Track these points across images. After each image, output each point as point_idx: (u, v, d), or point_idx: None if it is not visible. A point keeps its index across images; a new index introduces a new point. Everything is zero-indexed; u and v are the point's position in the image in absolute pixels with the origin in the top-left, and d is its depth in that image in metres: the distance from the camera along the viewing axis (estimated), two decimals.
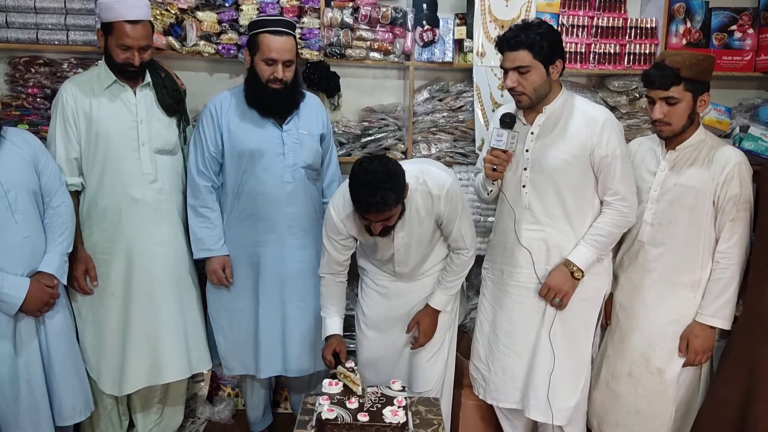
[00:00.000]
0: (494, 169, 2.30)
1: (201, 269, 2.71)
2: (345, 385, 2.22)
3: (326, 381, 2.24)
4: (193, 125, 2.96)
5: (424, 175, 2.30)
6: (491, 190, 2.45)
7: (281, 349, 2.63)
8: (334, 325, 2.45)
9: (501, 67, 2.35)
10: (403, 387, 2.27)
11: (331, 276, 2.46)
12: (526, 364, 2.44)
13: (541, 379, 2.39)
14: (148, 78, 2.53)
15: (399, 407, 2.09)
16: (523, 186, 2.37)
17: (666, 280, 2.34)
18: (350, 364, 2.30)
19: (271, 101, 2.51)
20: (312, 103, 2.70)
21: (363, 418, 2.03)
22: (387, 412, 2.06)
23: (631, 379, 2.39)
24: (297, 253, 2.61)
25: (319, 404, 2.11)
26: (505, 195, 2.44)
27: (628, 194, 2.32)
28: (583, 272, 2.31)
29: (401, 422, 2.03)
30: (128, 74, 2.46)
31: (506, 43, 2.27)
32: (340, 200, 2.33)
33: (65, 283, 2.36)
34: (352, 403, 2.11)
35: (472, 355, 2.61)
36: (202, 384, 3.12)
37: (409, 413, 2.13)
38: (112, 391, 2.55)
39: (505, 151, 2.28)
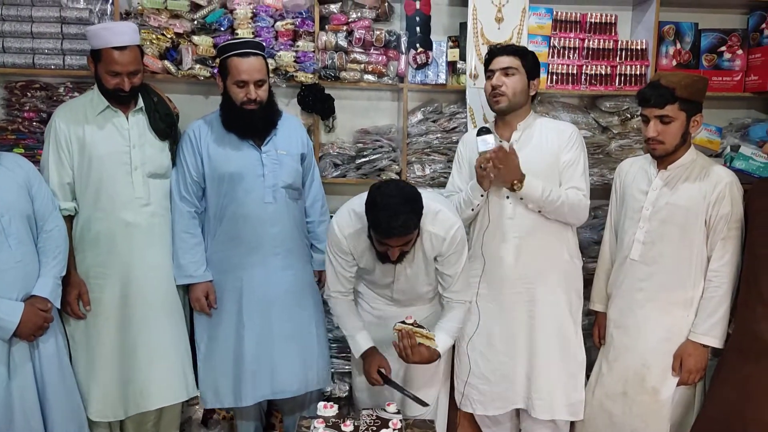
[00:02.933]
0: (484, 169, 2.37)
1: None
2: (339, 408, 2.22)
3: (321, 404, 2.23)
4: None
5: (434, 213, 2.28)
6: (477, 204, 2.50)
7: (269, 372, 2.59)
8: (364, 340, 2.41)
9: (488, 70, 2.52)
10: (399, 410, 2.27)
11: (340, 295, 2.44)
12: (526, 367, 2.52)
13: (544, 378, 2.50)
14: (140, 103, 2.54)
15: (394, 430, 2.09)
16: (507, 197, 2.48)
17: (659, 299, 2.35)
18: (411, 320, 2.29)
19: (248, 122, 2.52)
20: (291, 123, 2.72)
21: None
22: None
23: (626, 399, 2.39)
24: (281, 274, 2.61)
25: (314, 427, 2.11)
26: (489, 208, 2.52)
27: (586, 193, 2.49)
28: (521, 186, 2.38)
29: None
30: (120, 99, 2.47)
31: (500, 49, 2.52)
32: (345, 217, 2.33)
33: (59, 306, 2.35)
34: (347, 426, 2.10)
35: (461, 372, 2.62)
36: (197, 407, 3.10)
37: None
38: (101, 418, 2.52)
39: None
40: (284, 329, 2.61)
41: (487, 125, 2.52)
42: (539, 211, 2.46)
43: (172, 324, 2.58)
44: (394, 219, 2.05)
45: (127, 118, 2.51)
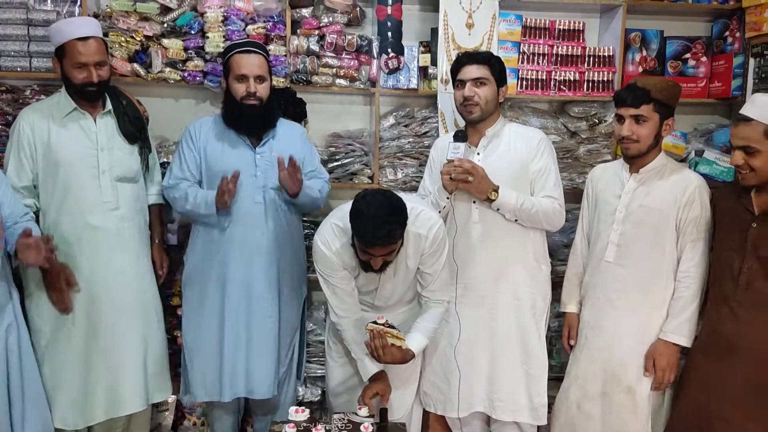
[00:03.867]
0: (452, 179, 2.40)
1: (166, 298, 2.68)
2: (311, 413, 2.22)
3: (292, 408, 2.23)
4: (160, 150, 2.97)
5: (415, 213, 2.29)
6: (444, 206, 2.53)
7: (245, 370, 2.60)
8: (372, 363, 2.37)
9: (457, 80, 2.54)
10: (372, 414, 2.27)
11: (347, 315, 2.38)
12: (487, 370, 2.55)
13: (506, 381, 2.53)
14: (109, 105, 2.52)
15: None
16: (474, 202, 2.51)
17: (633, 299, 2.40)
18: (382, 320, 2.28)
19: (247, 118, 2.53)
20: (291, 128, 2.73)
21: None
22: None
23: (605, 399, 2.42)
24: (264, 274, 2.61)
25: None
26: (455, 214, 2.56)
27: (561, 201, 2.53)
28: (497, 196, 2.42)
29: None
30: (89, 95, 2.44)
31: (468, 58, 2.53)
32: (329, 232, 2.30)
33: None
34: (319, 430, 2.10)
35: (426, 372, 2.65)
36: (167, 414, 3.07)
37: None
38: (64, 425, 2.47)
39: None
40: (263, 330, 2.62)
41: (463, 129, 2.55)
42: (515, 220, 2.49)
43: (142, 328, 2.55)
44: (379, 229, 2.05)
45: (95, 121, 2.48)
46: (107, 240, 2.48)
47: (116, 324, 2.49)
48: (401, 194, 2.22)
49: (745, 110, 2.09)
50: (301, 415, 2.20)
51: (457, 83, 2.55)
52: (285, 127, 2.71)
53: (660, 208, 2.35)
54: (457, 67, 2.55)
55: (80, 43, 2.37)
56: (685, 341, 2.32)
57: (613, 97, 2.45)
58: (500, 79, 2.53)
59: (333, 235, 2.29)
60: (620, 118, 2.38)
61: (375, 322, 2.27)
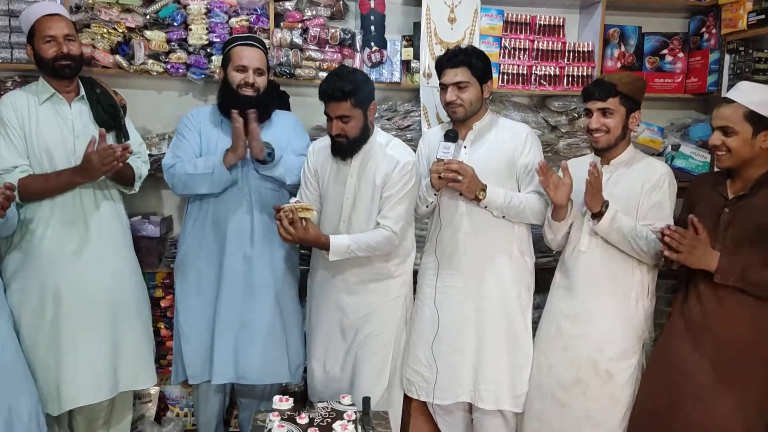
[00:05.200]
0: (440, 177, 2.45)
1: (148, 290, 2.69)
2: (295, 401, 2.24)
3: (276, 397, 2.25)
4: (145, 143, 2.97)
5: (395, 144, 2.48)
6: (431, 201, 2.58)
7: (234, 355, 2.64)
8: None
9: (440, 83, 2.56)
10: (353, 402, 2.30)
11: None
12: (473, 360, 2.59)
13: (491, 370, 2.57)
14: (82, 91, 2.53)
15: (349, 421, 2.12)
16: (460, 194, 2.54)
17: (605, 287, 2.44)
18: (294, 200, 2.43)
19: (243, 106, 2.53)
20: (285, 119, 2.77)
21: None
22: (337, 426, 2.09)
23: (580, 386, 2.46)
24: (257, 263, 2.64)
25: (270, 420, 2.12)
26: (441, 204, 2.61)
27: (548, 197, 2.51)
28: (485, 195, 2.47)
29: None
30: (63, 73, 2.44)
31: (447, 61, 2.52)
32: (320, 138, 2.64)
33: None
34: (303, 419, 2.13)
35: (409, 359, 2.69)
36: (150, 404, 3.08)
37: (359, 427, 2.16)
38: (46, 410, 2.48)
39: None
40: (254, 316, 2.65)
41: (455, 129, 2.56)
42: (503, 216, 2.53)
43: (115, 318, 2.54)
44: (331, 82, 2.35)
45: (71, 107, 2.49)
46: (84, 229, 2.48)
47: (91, 314, 2.49)
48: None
49: (729, 93, 2.20)
50: (285, 403, 2.22)
51: (441, 86, 2.56)
52: (279, 117, 2.74)
53: (628, 197, 2.41)
54: (438, 69, 2.57)
55: (47, 18, 2.43)
56: (606, 219, 2.33)
57: (582, 92, 2.50)
58: (483, 77, 2.52)
59: (321, 139, 2.60)
60: (589, 112, 2.45)
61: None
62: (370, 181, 2.46)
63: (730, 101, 2.17)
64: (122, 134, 2.65)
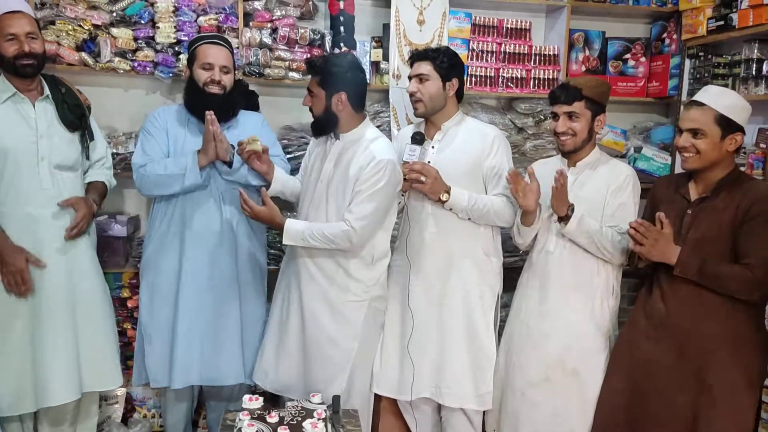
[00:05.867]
0: (405, 179, 2.49)
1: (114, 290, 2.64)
2: (264, 400, 2.25)
3: (246, 396, 2.25)
4: (109, 141, 2.93)
5: (381, 142, 2.45)
6: (399, 202, 2.61)
7: (195, 358, 2.61)
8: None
9: (408, 77, 2.63)
10: (323, 401, 2.31)
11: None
12: (435, 358, 2.62)
13: (453, 369, 2.60)
14: (47, 91, 2.48)
15: (319, 419, 2.13)
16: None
17: (572, 287, 2.49)
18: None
19: (209, 104, 2.52)
20: (251, 119, 2.75)
21: (283, 431, 2.06)
22: (307, 424, 2.09)
23: (549, 384, 2.50)
24: (222, 260, 2.63)
25: (240, 420, 2.12)
26: (408, 205, 2.65)
27: (514, 199, 2.52)
28: (449, 197, 2.50)
29: None
30: (25, 72, 2.39)
31: (415, 55, 2.62)
32: None
33: None
34: (273, 417, 2.13)
35: (382, 358, 2.69)
36: (116, 406, 3.04)
37: (329, 425, 2.17)
38: (12, 411, 2.44)
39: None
40: (222, 317, 2.64)
41: (421, 132, 2.61)
42: (469, 219, 2.56)
43: (77, 319, 2.50)
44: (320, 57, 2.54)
45: (34, 107, 2.44)
46: (46, 230, 2.43)
47: (53, 315, 2.45)
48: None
49: (698, 97, 2.24)
50: (255, 403, 2.22)
51: (408, 78, 2.63)
52: (246, 117, 2.73)
53: (593, 197, 2.46)
54: (411, 64, 2.63)
55: (8, 16, 2.36)
56: (577, 222, 2.38)
57: (548, 95, 2.55)
58: (447, 74, 2.55)
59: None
60: (555, 115, 2.50)
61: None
62: (344, 170, 2.44)
63: (700, 104, 2.21)
64: (88, 134, 2.61)
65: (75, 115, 2.53)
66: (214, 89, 2.55)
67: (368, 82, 3.18)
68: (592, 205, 2.46)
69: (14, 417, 2.51)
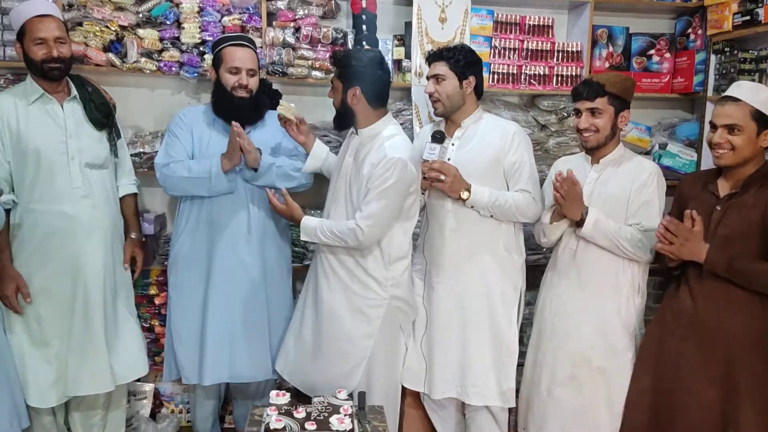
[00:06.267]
0: (425, 178, 2.51)
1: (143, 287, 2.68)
2: (291, 396, 2.27)
3: (273, 392, 2.27)
4: (135, 140, 2.98)
5: (397, 139, 2.43)
6: (420, 200, 2.61)
7: (225, 355, 2.65)
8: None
9: (426, 77, 2.65)
10: (350, 396, 2.33)
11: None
12: (458, 357, 2.63)
13: (475, 367, 2.61)
14: (74, 91, 2.53)
15: (345, 415, 2.15)
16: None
17: (595, 284, 2.48)
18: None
19: (238, 109, 2.57)
20: (274, 122, 2.75)
21: (310, 427, 2.08)
22: (334, 420, 2.11)
23: (574, 382, 2.50)
24: (249, 259, 2.66)
25: (267, 415, 2.14)
26: (428, 204, 2.67)
27: (537, 195, 2.59)
28: (469, 195, 2.51)
29: (348, 430, 2.09)
30: (52, 75, 2.44)
31: (431, 56, 2.64)
32: None
33: None
34: (300, 413, 2.15)
35: (411, 353, 2.70)
36: (145, 401, 3.09)
37: (356, 421, 2.19)
38: (40, 404, 2.50)
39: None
40: (251, 314, 2.67)
41: (441, 130, 2.62)
42: (491, 216, 2.57)
43: (109, 315, 2.57)
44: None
45: (62, 107, 2.49)
46: (79, 227, 2.48)
47: (86, 311, 2.50)
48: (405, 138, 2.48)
49: (732, 92, 2.22)
50: (282, 398, 2.24)
51: (427, 78, 2.65)
52: (271, 117, 2.75)
53: (617, 194, 2.45)
54: (428, 65, 2.66)
55: (38, 20, 2.41)
56: (591, 225, 2.39)
57: (571, 92, 2.54)
58: (463, 73, 2.56)
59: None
60: (578, 112, 2.49)
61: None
62: (359, 166, 2.45)
63: (735, 100, 2.19)
64: (114, 131, 2.66)
65: (102, 113, 2.58)
66: (242, 93, 2.58)
67: (391, 79, 3.21)
68: (617, 202, 2.44)
69: (46, 408, 2.56)
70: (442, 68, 2.56)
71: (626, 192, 2.45)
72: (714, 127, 2.24)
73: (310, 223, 2.47)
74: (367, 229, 2.35)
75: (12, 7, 2.79)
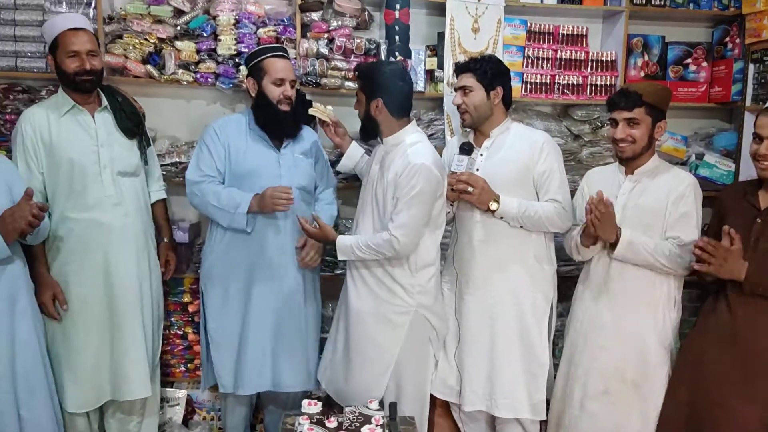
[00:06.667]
0: (453, 189, 2.51)
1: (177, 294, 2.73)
2: (323, 405, 2.28)
3: (305, 401, 2.28)
4: (172, 150, 3.03)
5: (419, 146, 2.46)
6: (449, 212, 2.63)
7: (266, 365, 2.67)
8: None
9: (453, 88, 2.65)
10: (381, 406, 2.33)
11: None
12: (487, 368, 2.61)
13: (506, 378, 2.58)
14: (105, 101, 2.58)
15: (377, 426, 2.15)
16: None
17: (631, 296, 2.45)
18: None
19: (283, 121, 2.62)
20: (308, 134, 2.82)
21: None
22: (365, 430, 2.11)
23: (608, 397, 2.46)
24: (287, 271, 2.69)
25: (299, 424, 2.15)
26: (457, 215, 2.66)
27: (567, 204, 2.57)
28: (498, 206, 2.50)
29: None
30: (84, 87, 2.49)
31: (458, 67, 2.67)
32: None
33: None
34: (331, 422, 2.15)
35: (443, 364, 2.70)
36: (177, 408, 3.12)
37: (387, 431, 2.18)
38: (77, 408, 2.55)
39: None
40: (293, 323, 2.70)
41: (469, 142, 2.62)
42: (520, 226, 2.56)
43: (143, 320, 2.62)
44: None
45: (93, 117, 2.54)
46: (112, 235, 2.54)
47: (121, 316, 2.56)
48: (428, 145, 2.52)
49: None
50: (314, 407, 2.25)
51: (454, 90, 2.65)
52: (306, 131, 2.82)
53: (653, 206, 2.42)
54: (456, 76, 2.67)
55: (72, 33, 2.46)
56: (625, 247, 2.36)
57: (606, 102, 2.52)
58: (490, 84, 2.56)
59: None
60: (614, 122, 2.46)
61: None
62: (385, 174, 2.48)
63: None
64: (144, 140, 2.72)
65: (132, 122, 2.64)
66: (285, 107, 2.61)
67: (414, 89, 3.17)
68: (653, 213, 2.41)
69: (81, 414, 2.61)
70: (469, 80, 2.57)
71: (662, 203, 2.41)
72: (759, 138, 2.19)
73: (345, 241, 2.50)
74: (402, 238, 2.38)
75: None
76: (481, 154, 2.61)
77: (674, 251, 2.35)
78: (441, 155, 2.77)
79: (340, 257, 2.53)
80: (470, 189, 2.48)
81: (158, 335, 2.77)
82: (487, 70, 2.56)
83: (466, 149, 2.59)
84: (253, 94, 2.66)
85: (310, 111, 2.63)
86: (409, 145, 2.46)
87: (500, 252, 2.59)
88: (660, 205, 2.42)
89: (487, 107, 2.58)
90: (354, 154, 2.80)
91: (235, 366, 2.69)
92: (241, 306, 2.67)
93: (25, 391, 2.34)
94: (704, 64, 3.46)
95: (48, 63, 2.56)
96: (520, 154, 2.58)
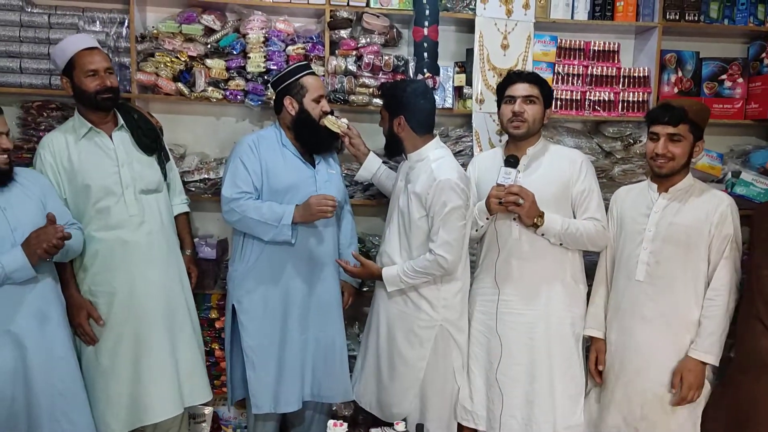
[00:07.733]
0: (500, 203, 2.47)
1: (204, 310, 2.70)
2: (349, 426, 2.25)
3: (331, 422, 2.25)
4: (201, 166, 3.05)
5: (442, 161, 2.51)
6: (482, 225, 2.60)
7: (307, 378, 2.68)
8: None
9: (506, 96, 2.59)
10: (406, 428, 2.29)
11: None
12: (525, 389, 2.55)
13: (543, 401, 2.53)
14: (121, 120, 2.59)
15: None
16: (514, 219, 2.55)
17: (666, 318, 2.39)
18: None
19: (324, 137, 2.70)
20: (335, 165, 2.85)
21: None
22: None
23: (647, 422, 2.40)
24: (321, 286, 2.69)
25: None
26: (496, 230, 2.60)
27: (605, 222, 2.57)
28: (543, 222, 2.48)
29: None
30: (105, 105, 2.50)
31: (519, 75, 2.63)
32: None
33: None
34: None
35: (472, 388, 2.64)
36: (204, 425, 3.12)
37: None
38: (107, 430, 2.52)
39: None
40: (325, 336, 2.71)
41: (515, 155, 2.57)
42: (560, 244, 2.53)
43: (172, 338, 2.59)
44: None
45: (111, 138, 2.55)
46: (138, 254, 2.53)
47: (149, 335, 2.54)
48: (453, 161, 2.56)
49: None
50: (340, 428, 2.22)
51: (507, 99, 2.59)
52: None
53: (691, 225, 2.36)
54: (506, 83, 2.62)
55: (88, 53, 2.49)
56: (714, 360, 2.32)
57: (645, 116, 2.47)
58: (547, 101, 2.61)
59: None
60: (654, 136, 2.40)
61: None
62: (409, 188, 2.53)
63: None
64: (163, 154, 2.73)
65: (150, 138, 2.64)
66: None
67: (443, 106, 3.22)
68: (694, 233, 2.35)
69: None
70: (536, 90, 2.58)
71: (702, 224, 2.35)
72: None
73: (391, 272, 2.53)
74: (447, 255, 2.43)
75: (59, 38, 2.84)
76: (519, 172, 2.56)
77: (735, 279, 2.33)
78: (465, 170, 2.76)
79: (389, 289, 2.55)
80: (521, 201, 2.44)
81: (201, 344, 2.75)
82: (546, 88, 2.62)
83: (512, 162, 2.53)
84: (293, 113, 2.65)
85: (323, 122, 2.65)
86: (433, 161, 2.51)
87: (542, 270, 2.56)
88: (699, 224, 2.35)
89: (540, 123, 2.61)
90: (371, 166, 2.87)
91: (274, 384, 2.65)
92: (279, 321, 2.65)
93: (67, 406, 2.33)
94: (740, 80, 3.39)
95: (63, 85, 2.55)
96: (559, 172, 2.57)
